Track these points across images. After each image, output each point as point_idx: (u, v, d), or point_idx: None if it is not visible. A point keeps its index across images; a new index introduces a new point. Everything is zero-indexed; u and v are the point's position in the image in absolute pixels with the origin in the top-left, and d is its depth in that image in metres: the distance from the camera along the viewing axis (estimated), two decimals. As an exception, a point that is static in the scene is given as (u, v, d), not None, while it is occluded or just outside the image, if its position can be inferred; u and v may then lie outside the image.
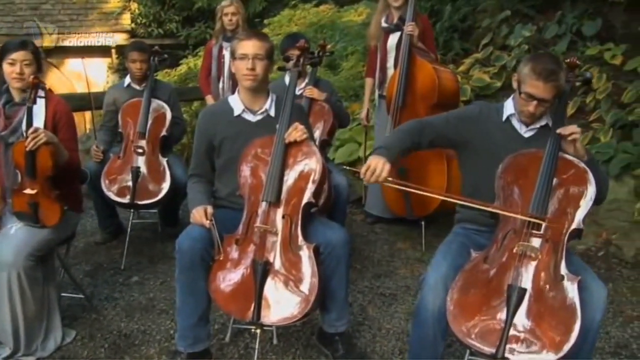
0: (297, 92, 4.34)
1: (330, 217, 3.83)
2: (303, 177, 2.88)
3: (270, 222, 2.83)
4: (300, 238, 2.81)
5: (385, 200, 4.65)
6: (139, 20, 12.54)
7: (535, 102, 2.66)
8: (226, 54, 4.99)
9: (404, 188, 2.65)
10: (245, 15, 5.15)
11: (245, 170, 2.95)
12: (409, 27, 4.37)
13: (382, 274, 4.10)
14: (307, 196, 2.85)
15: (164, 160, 4.35)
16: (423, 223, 4.47)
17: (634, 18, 6.62)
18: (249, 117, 3.06)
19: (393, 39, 4.61)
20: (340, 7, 9.43)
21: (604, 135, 5.08)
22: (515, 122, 2.83)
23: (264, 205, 2.84)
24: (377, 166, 2.58)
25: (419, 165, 4.31)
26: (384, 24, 4.65)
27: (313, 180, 2.86)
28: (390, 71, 4.65)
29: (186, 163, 5.74)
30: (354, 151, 5.56)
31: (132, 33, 12.45)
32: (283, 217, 2.83)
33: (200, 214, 2.87)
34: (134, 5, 12.65)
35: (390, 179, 2.61)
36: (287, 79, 4.29)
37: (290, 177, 2.88)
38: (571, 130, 2.63)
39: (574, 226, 2.55)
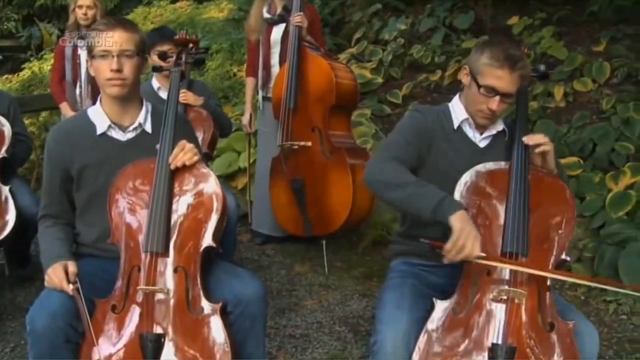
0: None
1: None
2: (198, 214, 2.06)
3: (158, 279, 1.99)
4: (201, 297, 2.00)
5: (278, 219, 3.88)
6: (-32, 19, 10.77)
7: (498, 98, 2.05)
8: (82, 54, 3.99)
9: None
10: (104, 10, 4.15)
11: (118, 210, 2.08)
12: (297, 18, 3.63)
13: (286, 307, 3.34)
14: (206, 238, 2.05)
15: (5, 189, 3.29)
16: (324, 242, 3.74)
17: (500, 12, 6.40)
18: (117, 135, 2.19)
19: (277, 31, 3.84)
20: (199, 3, 8.49)
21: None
22: (468, 130, 2.20)
23: (147, 256, 2.00)
24: (468, 242, 1.84)
25: (318, 176, 3.59)
26: (266, 15, 3.86)
27: (212, 217, 2.06)
28: (275, 69, 3.88)
29: (37, 183, 4.73)
30: (232, 162, 4.73)
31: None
32: (175, 270, 2.01)
33: (58, 275, 1.97)
34: (-40, 1, 10.83)
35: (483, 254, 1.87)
36: (154, 83, 3.44)
37: (180, 216, 2.05)
38: (537, 140, 2.06)
39: (561, 257, 1.97)
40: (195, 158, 2.08)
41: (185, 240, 2.04)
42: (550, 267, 1.95)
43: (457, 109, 2.20)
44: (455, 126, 2.19)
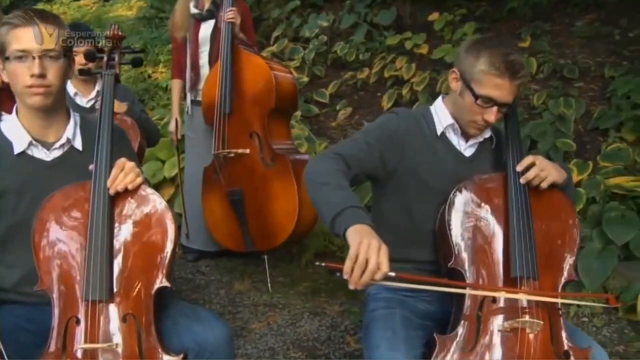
0: (86, 104, 3.04)
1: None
2: (148, 249, 1.66)
3: (102, 333, 1.58)
4: (157, 348, 1.61)
5: (214, 234, 3.47)
6: None
7: (495, 109, 1.77)
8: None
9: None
10: (-1, 3, 3.60)
11: (46, 248, 1.64)
12: (230, 14, 3.25)
13: (232, 333, 2.94)
14: (159, 277, 1.65)
15: None
16: (266, 258, 3.37)
17: (419, 8, 6.28)
18: (40, 154, 1.76)
19: (206, 28, 3.44)
20: (105, 0, 7.84)
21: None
22: (452, 136, 1.91)
23: (87, 306, 1.58)
24: (372, 254, 1.46)
25: (258, 186, 3.22)
26: (193, 10, 3.45)
27: (164, 250, 1.67)
28: (205, 70, 3.47)
29: None
30: (157, 171, 4.24)
31: None
32: (124, 319, 1.60)
33: (-27, 336, 1.53)
34: None
35: (393, 273, 1.49)
36: (70, 88, 2.98)
37: (126, 252, 1.65)
38: (526, 164, 1.78)
39: (568, 278, 1.74)
40: (139, 180, 1.68)
41: (134, 281, 1.63)
42: (560, 288, 1.72)
43: (441, 114, 1.92)
44: (439, 132, 1.91)
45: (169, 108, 4.90)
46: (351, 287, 1.47)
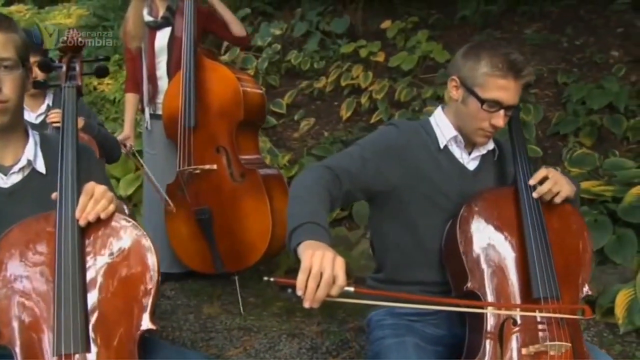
0: (35, 120, 2.73)
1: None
2: (128, 288, 1.39)
3: (78, 391, 1.30)
4: (144, 403, 1.34)
5: (180, 255, 3.17)
6: None
7: (502, 112, 1.63)
8: None
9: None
10: None
11: (5, 295, 1.35)
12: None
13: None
14: (143, 319, 1.39)
15: None
16: (236, 278, 3.10)
17: (369, 16, 6.12)
18: (-5, 180, 1.47)
19: (162, 37, 3.15)
20: (40, 7, 7.30)
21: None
22: (455, 149, 1.74)
23: (60, 361, 1.30)
24: (326, 265, 1.22)
25: (227, 204, 2.96)
26: (147, 18, 3.14)
27: (146, 288, 1.40)
28: (163, 82, 3.17)
29: None
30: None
31: None
32: (104, 372, 1.33)
33: None
34: None
35: (351, 288, 1.26)
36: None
37: (101, 294, 1.37)
38: (539, 177, 1.64)
39: (586, 293, 1.62)
40: (112, 207, 1.41)
41: (114, 326, 1.36)
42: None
43: (443, 125, 1.74)
44: (442, 145, 1.73)
45: (119, 122, 4.59)
46: (306, 304, 1.24)
